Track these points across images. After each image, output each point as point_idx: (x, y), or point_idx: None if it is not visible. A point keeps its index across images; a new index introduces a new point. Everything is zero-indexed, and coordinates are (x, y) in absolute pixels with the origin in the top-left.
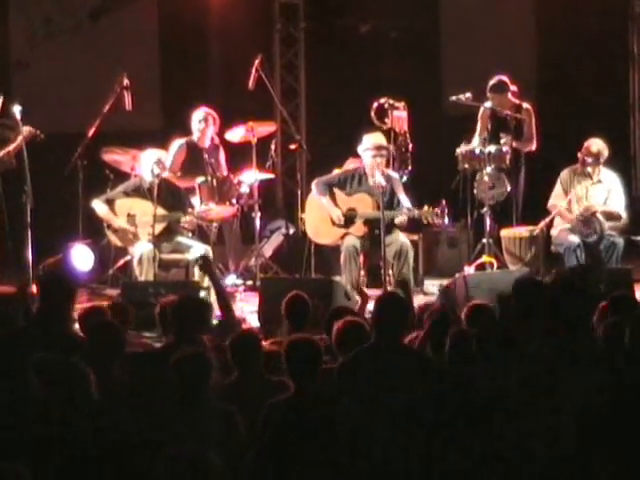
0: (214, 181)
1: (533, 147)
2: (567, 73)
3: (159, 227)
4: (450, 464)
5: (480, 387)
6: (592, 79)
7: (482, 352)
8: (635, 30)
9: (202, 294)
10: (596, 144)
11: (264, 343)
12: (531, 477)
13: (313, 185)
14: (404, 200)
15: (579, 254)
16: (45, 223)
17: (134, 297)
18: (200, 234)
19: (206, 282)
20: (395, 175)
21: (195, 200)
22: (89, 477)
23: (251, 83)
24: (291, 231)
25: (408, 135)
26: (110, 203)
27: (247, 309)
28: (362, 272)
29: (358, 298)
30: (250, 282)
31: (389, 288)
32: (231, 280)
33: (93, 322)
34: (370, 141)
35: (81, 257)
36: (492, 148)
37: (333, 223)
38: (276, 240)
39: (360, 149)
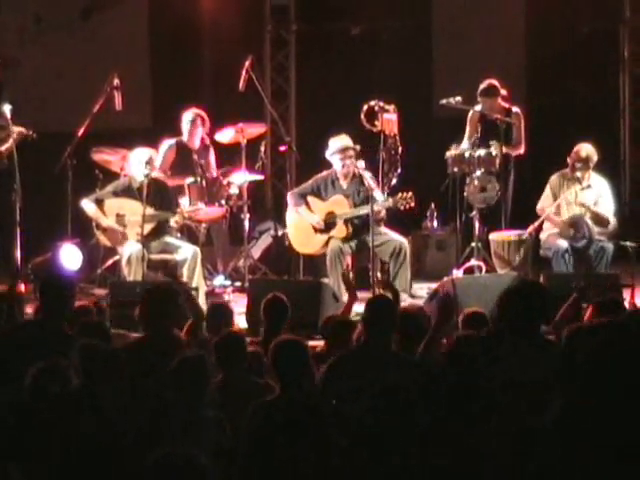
0: (204, 182)
1: (522, 151)
2: (557, 77)
3: (148, 227)
4: (441, 462)
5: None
6: (582, 83)
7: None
8: (626, 34)
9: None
10: (585, 149)
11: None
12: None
13: (288, 198)
14: (378, 195)
15: (567, 259)
16: (34, 222)
17: (122, 297)
18: (189, 235)
19: (194, 282)
20: (367, 173)
21: (184, 200)
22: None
23: (241, 84)
24: (280, 232)
25: (398, 138)
26: (99, 203)
27: (235, 310)
28: (351, 274)
29: (346, 300)
30: (239, 283)
31: (377, 290)
32: (219, 281)
33: (81, 321)
34: (336, 145)
35: (70, 256)
36: (481, 152)
37: (315, 230)
38: (265, 241)
39: (327, 154)
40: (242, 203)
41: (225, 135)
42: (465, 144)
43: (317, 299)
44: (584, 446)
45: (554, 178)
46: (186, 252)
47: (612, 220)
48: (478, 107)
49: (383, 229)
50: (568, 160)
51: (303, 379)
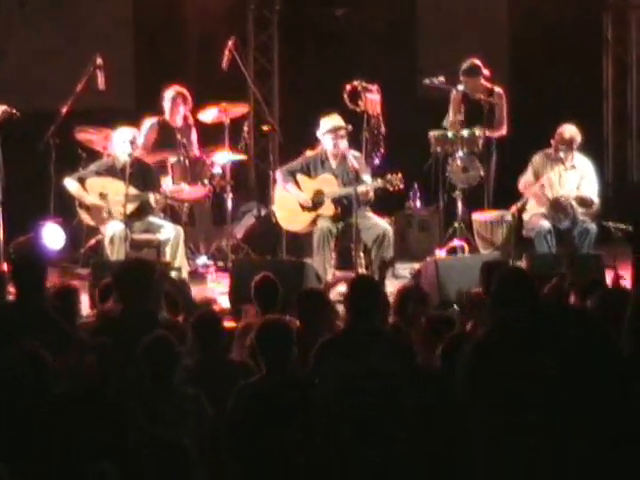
0: (186, 161)
1: (504, 132)
2: (540, 58)
3: (131, 207)
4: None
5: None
6: (566, 64)
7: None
8: (609, 17)
9: (173, 274)
10: (569, 130)
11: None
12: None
13: (277, 175)
14: (367, 179)
15: (550, 239)
16: (16, 202)
17: (104, 277)
18: (172, 214)
19: (177, 262)
20: (357, 154)
21: (167, 180)
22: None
23: (225, 64)
24: (263, 212)
25: (381, 118)
26: (82, 182)
27: (218, 290)
28: (333, 254)
29: (330, 280)
30: (221, 263)
31: (361, 271)
32: (202, 261)
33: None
34: (327, 124)
35: (52, 236)
36: (465, 132)
37: (303, 208)
38: (248, 221)
39: (319, 133)
40: (225, 183)
41: (208, 115)
42: (446, 124)
43: (300, 279)
44: None
45: (538, 157)
46: (169, 232)
47: (596, 201)
48: (461, 87)
49: (369, 213)
50: (551, 141)
51: (287, 360)
